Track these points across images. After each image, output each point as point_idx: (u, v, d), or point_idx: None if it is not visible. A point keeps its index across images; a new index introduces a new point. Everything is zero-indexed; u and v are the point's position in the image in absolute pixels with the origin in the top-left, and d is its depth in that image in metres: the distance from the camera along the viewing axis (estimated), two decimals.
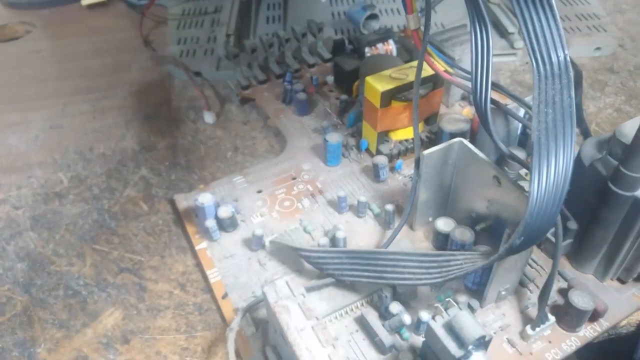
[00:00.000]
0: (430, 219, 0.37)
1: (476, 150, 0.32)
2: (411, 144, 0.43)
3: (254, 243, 0.36)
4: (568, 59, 0.27)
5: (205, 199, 0.36)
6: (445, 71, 0.37)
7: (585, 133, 0.46)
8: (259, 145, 0.48)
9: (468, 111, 0.46)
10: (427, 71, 0.39)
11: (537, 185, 0.24)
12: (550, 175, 0.25)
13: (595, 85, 0.52)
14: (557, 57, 0.26)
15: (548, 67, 0.27)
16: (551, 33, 0.27)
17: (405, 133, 0.42)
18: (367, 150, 0.43)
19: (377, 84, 0.39)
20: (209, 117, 0.50)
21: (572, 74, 0.27)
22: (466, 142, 0.32)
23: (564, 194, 0.25)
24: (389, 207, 0.36)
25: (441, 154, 0.33)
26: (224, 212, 0.37)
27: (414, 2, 0.35)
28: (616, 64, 0.55)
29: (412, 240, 0.36)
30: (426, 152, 0.32)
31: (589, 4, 0.63)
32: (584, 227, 0.32)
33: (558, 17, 0.26)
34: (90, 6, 0.73)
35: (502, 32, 0.57)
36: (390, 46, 0.50)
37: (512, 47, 0.56)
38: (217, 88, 0.55)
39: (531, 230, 0.25)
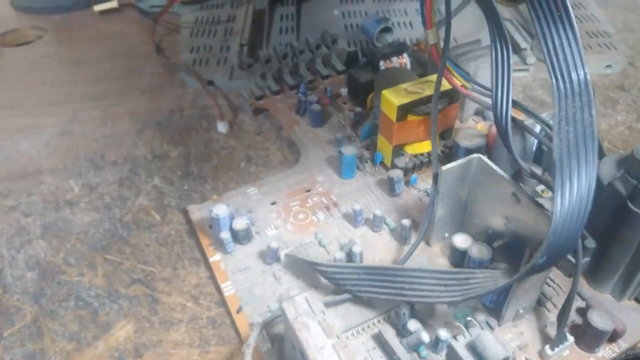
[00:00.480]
0: (446, 235, 0.36)
1: (495, 167, 0.32)
2: (426, 158, 0.42)
3: (269, 256, 0.35)
4: (588, 77, 0.27)
5: (220, 210, 0.36)
6: (462, 86, 0.37)
7: (599, 151, 0.45)
8: (272, 156, 0.47)
9: (482, 126, 0.46)
10: (443, 86, 0.38)
11: (560, 203, 0.24)
12: (573, 193, 0.25)
13: (607, 102, 0.52)
14: (577, 75, 0.27)
15: (568, 85, 0.27)
16: (571, 51, 0.27)
17: (420, 147, 0.42)
18: (382, 163, 0.43)
19: (393, 98, 0.39)
20: (222, 127, 0.50)
21: (592, 92, 0.27)
22: (485, 158, 0.32)
23: (587, 212, 0.25)
24: (406, 222, 0.36)
25: (459, 170, 0.33)
26: (239, 224, 0.36)
27: (434, 17, 0.35)
28: (627, 82, 0.55)
29: (429, 256, 0.36)
30: (445, 167, 0.32)
31: (599, 22, 0.63)
32: (602, 246, 0.32)
33: (578, 36, 0.27)
34: (102, 12, 0.73)
35: (515, 48, 0.57)
36: (405, 60, 0.50)
37: (525, 62, 0.56)
38: (229, 97, 0.55)
39: (554, 249, 0.25)
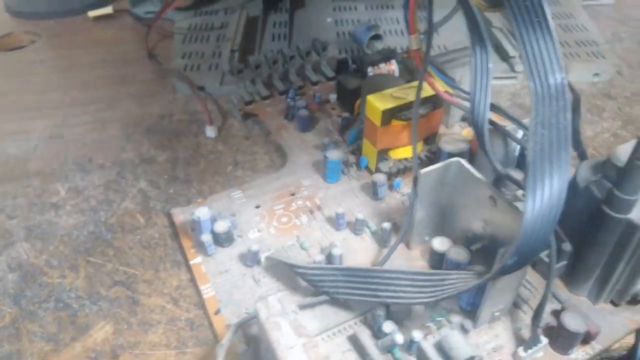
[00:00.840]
0: (426, 238, 0.36)
1: (473, 170, 0.32)
2: (410, 162, 0.43)
3: (250, 259, 0.35)
4: (565, 81, 0.27)
5: (202, 212, 0.36)
6: (446, 92, 0.38)
7: (582, 156, 0.46)
8: (259, 160, 0.48)
9: (468, 132, 0.46)
10: (427, 91, 0.39)
11: (531, 206, 0.24)
12: (544, 196, 0.25)
13: (593, 109, 0.53)
14: (555, 79, 0.27)
15: (546, 89, 0.27)
16: (549, 56, 0.27)
17: (404, 152, 0.42)
18: (367, 168, 0.43)
19: (378, 103, 0.39)
20: (210, 131, 0.50)
21: (569, 96, 0.27)
22: (463, 161, 0.33)
23: (558, 215, 0.25)
24: (386, 225, 0.36)
25: (438, 173, 0.33)
26: (221, 226, 0.36)
27: (417, 22, 0.36)
28: (614, 90, 0.55)
29: (408, 259, 0.36)
30: (424, 170, 0.32)
31: (589, 31, 0.64)
32: (579, 249, 0.32)
33: (557, 41, 0.27)
34: (96, 18, 0.74)
35: (504, 56, 0.58)
36: (393, 66, 0.51)
37: (513, 70, 0.57)
38: (220, 103, 0.55)
39: (524, 251, 0.25)
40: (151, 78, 0.60)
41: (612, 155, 0.30)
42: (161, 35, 0.69)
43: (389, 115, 0.39)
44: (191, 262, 0.36)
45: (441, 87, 0.38)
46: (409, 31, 0.36)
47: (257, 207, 0.41)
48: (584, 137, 0.49)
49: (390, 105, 0.39)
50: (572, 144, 0.49)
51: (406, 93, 0.40)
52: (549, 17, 0.27)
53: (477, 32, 0.31)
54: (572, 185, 0.32)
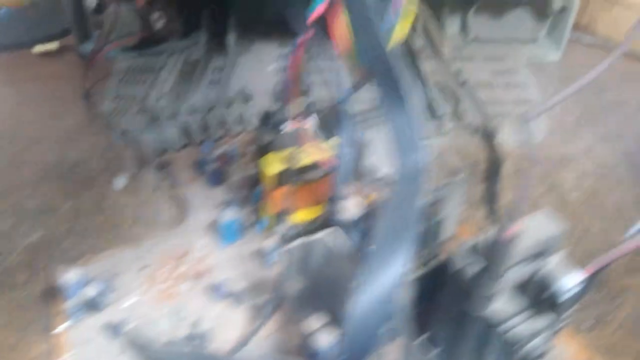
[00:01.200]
0: (306, 315, 0.34)
1: (335, 248, 0.30)
2: (309, 226, 0.41)
3: (113, 330, 0.34)
4: (420, 165, 0.26)
5: (70, 275, 0.35)
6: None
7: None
8: (162, 216, 0.46)
9: (372, 196, 0.44)
10: (316, 155, 0.38)
11: (359, 301, 0.23)
12: (379, 288, 0.23)
13: (519, 173, 0.51)
14: (411, 161, 0.26)
15: (401, 169, 0.26)
16: (406, 135, 0.26)
17: (302, 215, 0.41)
18: (266, 230, 0.42)
19: (268, 166, 0.38)
20: (119, 182, 0.49)
21: (421, 180, 0.26)
22: (328, 237, 0.31)
23: (390, 310, 0.23)
24: (262, 299, 0.34)
25: (303, 249, 0.31)
26: (90, 291, 0.35)
27: (298, 89, 0.35)
28: (543, 153, 0.54)
29: (284, 339, 0.34)
30: (288, 246, 0.31)
31: (528, 89, 0.63)
32: (450, 345, 0.30)
33: (415, 121, 0.26)
34: (42, 54, 0.74)
35: (434, 114, 0.57)
36: (308, 122, 0.49)
37: (442, 129, 0.56)
38: (138, 150, 0.54)
39: (354, 349, 0.23)
40: (79, 120, 0.59)
41: (483, 241, 0.29)
42: (104, 74, 0.68)
43: (279, 179, 0.38)
44: (55, 329, 0.34)
45: (327, 152, 0.37)
46: (289, 96, 0.35)
47: (142, 269, 0.39)
48: (503, 203, 0.48)
49: (279, 169, 0.38)
50: (486, 213, 0.47)
51: (299, 157, 0.39)
52: (406, 96, 0.26)
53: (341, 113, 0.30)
54: (446, 271, 0.30)
